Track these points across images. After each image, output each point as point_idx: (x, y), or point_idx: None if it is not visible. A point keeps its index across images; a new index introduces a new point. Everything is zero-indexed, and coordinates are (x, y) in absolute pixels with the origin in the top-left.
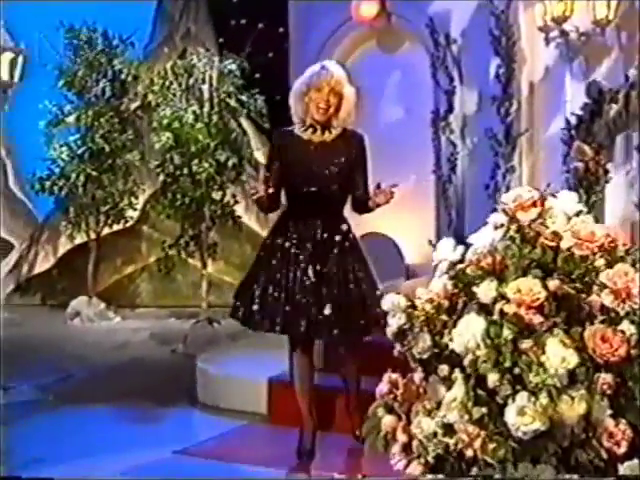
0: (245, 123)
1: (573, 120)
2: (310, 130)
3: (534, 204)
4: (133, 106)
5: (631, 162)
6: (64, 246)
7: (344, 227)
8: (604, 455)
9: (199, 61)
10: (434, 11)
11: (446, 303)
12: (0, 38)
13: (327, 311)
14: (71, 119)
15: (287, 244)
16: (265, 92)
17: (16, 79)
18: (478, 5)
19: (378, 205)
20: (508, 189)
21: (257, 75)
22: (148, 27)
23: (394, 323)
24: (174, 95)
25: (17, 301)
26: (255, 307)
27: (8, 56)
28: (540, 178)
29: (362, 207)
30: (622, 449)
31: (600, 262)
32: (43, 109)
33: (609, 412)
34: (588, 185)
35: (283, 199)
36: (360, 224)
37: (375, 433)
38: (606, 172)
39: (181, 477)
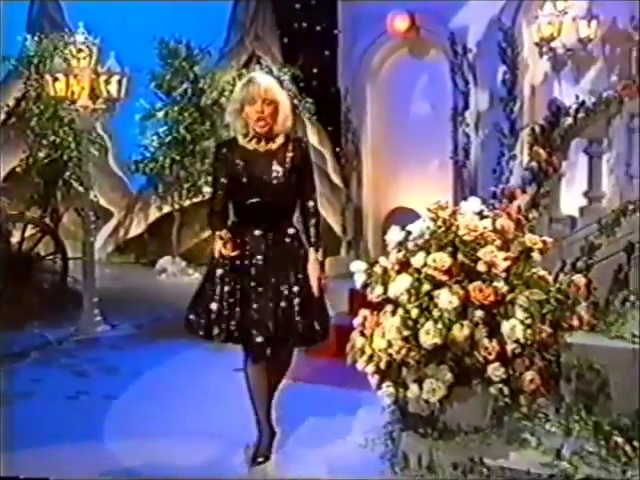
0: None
1: (537, 129)
2: (254, 140)
3: (447, 206)
4: (209, 102)
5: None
6: (154, 214)
7: (291, 231)
8: (481, 360)
9: (260, 70)
10: (454, 26)
11: (397, 267)
12: (110, 65)
13: (273, 322)
14: (160, 114)
15: (236, 257)
16: (317, 91)
17: (122, 95)
18: (489, 23)
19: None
20: (511, 173)
21: (310, 75)
22: (223, 34)
23: (359, 279)
24: None
25: (116, 260)
26: (203, 321)
27: (116, 78)
28: None
29: (308, 237)
30: (492, 357)
31: (498, 242)
32: (139, 106)
33: (485, 334)
34: (539, 181)
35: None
36: (390, 200)
37: (352, 349)
38: (555, 170)
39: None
